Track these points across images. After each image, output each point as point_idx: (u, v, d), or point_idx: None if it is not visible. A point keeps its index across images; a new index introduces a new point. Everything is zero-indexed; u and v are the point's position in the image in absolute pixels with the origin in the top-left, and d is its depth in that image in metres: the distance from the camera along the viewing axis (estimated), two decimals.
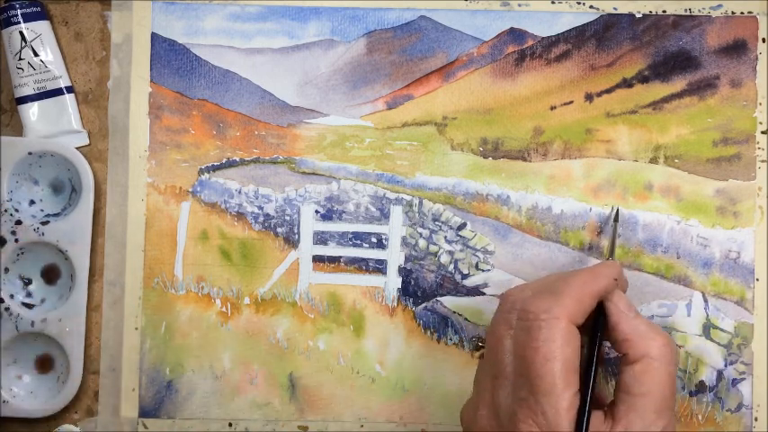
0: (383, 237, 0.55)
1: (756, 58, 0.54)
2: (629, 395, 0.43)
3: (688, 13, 0.54)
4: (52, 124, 0.55)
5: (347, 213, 0.55)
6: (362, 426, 0.54)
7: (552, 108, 0.54)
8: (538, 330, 0.42)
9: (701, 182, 0.54)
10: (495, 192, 0.54)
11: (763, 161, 0.53)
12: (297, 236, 0.55)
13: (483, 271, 0.54)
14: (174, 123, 0.55)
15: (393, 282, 0.55)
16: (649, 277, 0.54)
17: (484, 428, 0.43)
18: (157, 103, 0.55)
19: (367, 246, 0.55)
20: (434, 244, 0.55)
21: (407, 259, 0.55)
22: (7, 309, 0.54)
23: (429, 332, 0.54)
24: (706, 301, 0.53)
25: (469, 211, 0.55)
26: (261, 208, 0.55)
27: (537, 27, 0.54)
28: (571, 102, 0.54)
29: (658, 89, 0.54)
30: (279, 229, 0.55)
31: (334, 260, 0.55)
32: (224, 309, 0.55)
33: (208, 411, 0.55)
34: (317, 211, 0.55)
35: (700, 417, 0.53)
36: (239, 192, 0.55)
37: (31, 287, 0.55)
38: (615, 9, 0.54)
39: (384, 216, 0.55)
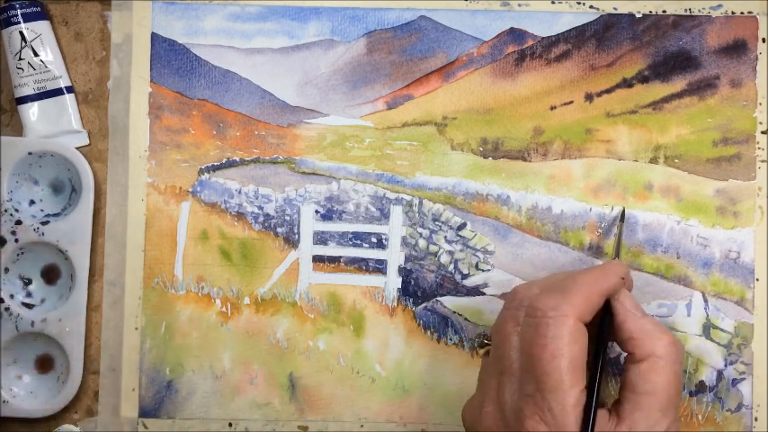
0: (383, 237, 0.55)
1: (756, 58, 0.54)
2: (635, 393, 0.43)
3: (688, 13, 0.54)
4: (52, 124, 0.55)
5: (347, 213, 0.55)
6: (362, 426, 0.54)
7: (552, 108, 0.54)
8: (546, 327, 0.42)
9: (700, 182, 0.54)
10: (495, 192, 0.54)
11: (763, 161, 0.53)
12: (297, 236, 0.55)
13: (483, 271, 0.54)
14: (174, 123, 0.55)
15: (393, 282, 0.55)
16: (649, 277, 0.54)
17: (489, 425, 0.43)
18: (157, 103, 0.55)
19: (367, 246, 0.55)
20: (434, 244, 0.55)
21: (407, 259, 0.55)
22: (7, 309, 0.54)
23: (429, 332, 0.54)
24: (706, 301, 0.53)
25: (469, 211, 0.55)
26: (261, 208, 0.55)
27: (537, 27, 0.54)
28: (571, 102, 0.54)
29: (658, 89, 0.54)
30: (279, 229, 0.55)
31: (334, 260, 0.55)
32: (224, 309, 0.55)
33: (208, 411, 0.55)
34: (316, 211, 0.55)
35: (700, 417, 0.53)
36: (239, 192, 0.55)
37: (31, 287, 0.55)
38: (615, 9, 0.54)
39: (384, 216, 0.55)
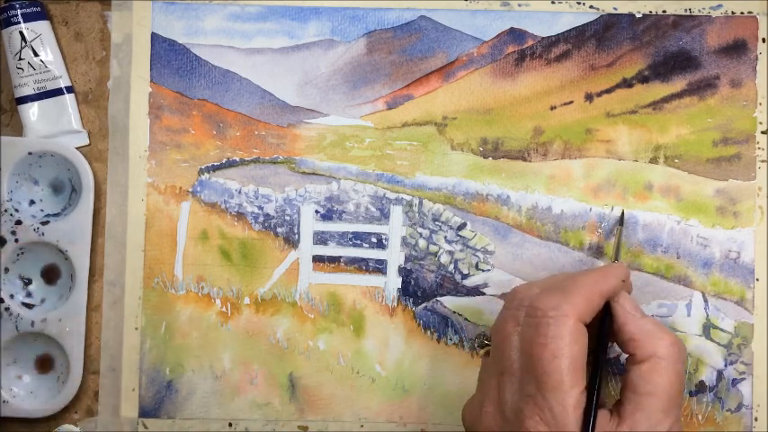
0: (383, 237, 0.55)
1: (756, 58, 0.54)
2: (636, 394, 0.43)
3: (688, 13, 0.54)
4: (52, 124, 0.55)
5: (347, 213, 0.55)
6: (362, 426, 0.54)
7: (552, 108, 0.54)
8: (546, 327, 0.42)
9: (701, 182, 0.54)
10: (495, 192, 0.54)
11: (763, 161, 0.53)
12: (297, 236, 0.55)
13: (483, 271, 0.54)
14: (174, 123, 0.55)
15: (393, 282, 0.55)
16: (649, 277, 0.54)
17: (489, 425, 0.43)
18: (157, 103, 0.55)
19: (367, 246, 0.55)
20: (434, 244, 0.55)
21: (407, 259, 0.55)
22: (7, 309, 0.54)
23: (429, 332, 0.54)
24: (706, 301, 0.53)
25: (469, 211, 0.55)
26: (261, 208, 0.55)
27: (537, 27, 0.54)
28: (571, 102, 0.54)
29: (658, 89, 0.54)
30: (279, 229, 0.55)
31: (334, 260, 0.55)
32: (224, 309, 0.55)
33: (208, 411, 0.55)
34: (317, 211, 0.55)
35: (700, 417, 0.53)
36: (239, 192, 0.55)
37: (31, 287, 0.55)
38: (615, 9, 0.54)
39: (384, 216, 0.55)
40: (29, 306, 0.55)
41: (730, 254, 0.53)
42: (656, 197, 0.54)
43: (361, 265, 0.55)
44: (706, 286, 0.53)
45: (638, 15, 0.54)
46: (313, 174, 0.55)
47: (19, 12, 0.54)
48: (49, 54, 0.55)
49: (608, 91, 0.54)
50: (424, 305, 0.54)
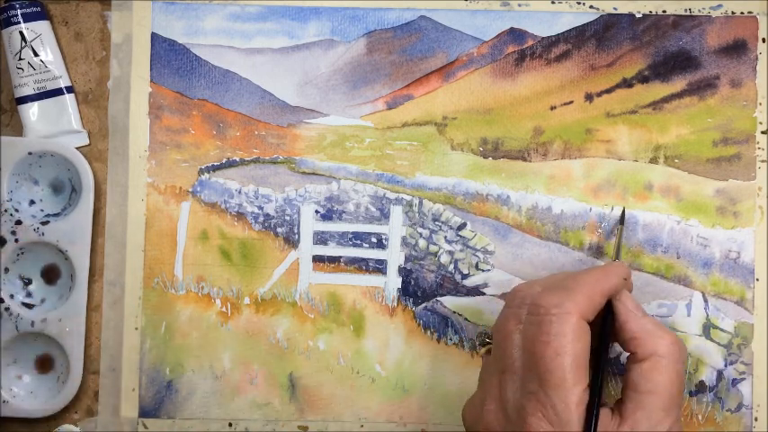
0: (383, 237, 0.55)
1: (756, 58, 0.54)
2: (637, 393, 0.43)
3: (688, 13, 0.54)
4: (52, 124, 0.55)
5: (347, 213, 0.55)
6: (362, 426, 0.54)
7: (552, 108, 0.54)
8: (549, 325, 0.42)
9: (701, 182, 0.54)
10: (495, 192, 0.54)
11: (763, 161, 0.53)
12: (297, 236, 0.55)
13: (483, 271, 0.54)
14: (174, 123, 0.55)
15: (393, 282, 0.55)
16: (649, 277, 0.54)
17: (491, 423, 0.43)
18: (157, 103, 0.55)
19: (367, 246, 0.55)
20: (434, 244, 0.55)
21: (407, 259, 0.55)
22: (7, 309, 0.54)
23: (429, 332, 0.54)
24: (706, 301, 0.53)
25: (469, 211, 0.55)
26: (261, 208, 0.55)
27: (537, 27, 0.54)
28: (571, 102, 0.54)
29: (658, 89, 0.54)
30: (279, 229, 0.55)
31: (334, 260, 0.55)
32: (224, 309, 0.55)
33: (208, 411, 0.55)
34: (317, 211, 0.55)
35: (700, 417, 0.53)
36: (239, 192, 0.55)
37: (31, 287, 0.55)
38: (615, 9, 0.54)
39: (384, 216, 0.55)
40: (29, 306, 0.55)
41: (730, 254, 0.53)
42: (656, 197, 0.54)
43: (361, 265, 0.55)
44: (706, 286, 0.53)
45: (638, 15, 0.54)
46: (313, 174, 0.55)
47: (19, 12, 0.54)
48: (49, 54, 0.55)
49: (608, 91, 0.54)
50: (424, 305, 0.54)
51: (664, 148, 0.54)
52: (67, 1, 0.56)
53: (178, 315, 0.55)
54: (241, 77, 0.55)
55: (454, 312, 0.54)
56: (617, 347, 0.47)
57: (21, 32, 0.54)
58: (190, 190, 0.55)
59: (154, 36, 0.55)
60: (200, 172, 0.55)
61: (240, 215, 0.55)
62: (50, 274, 0.55)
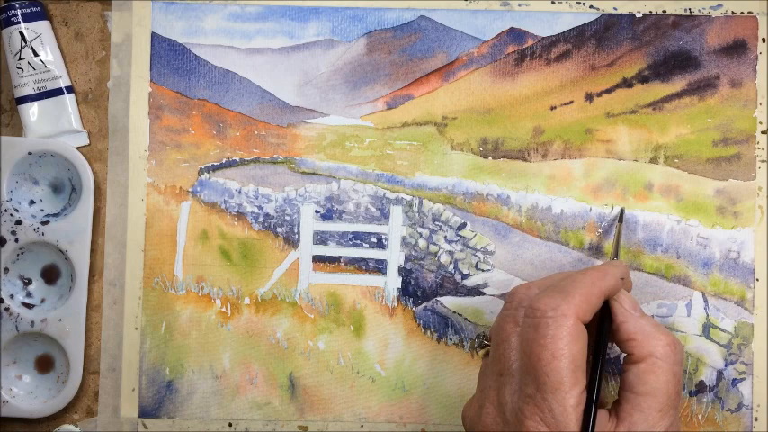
0: (383, 237, 0.55)
1: (756, 58, 0.54)
2: (634, 394, 0.43)
3: (688, 13, 0.54)
4: (52, 124, 0.55)
5: (347, 213, 0.55)
6: (362, 426, 0.54)
7: (552, 108, 0.54)
8: (545, 327, 0.42)
9: (701, 182, 0.54)
10: (495, 192, 0.54)
11: (763, 161, 0.53)
12: (297, 236, 0.55)
13: (483, 271, 0.54)
14: (174, 123, 0.55)
15: (393, 282, 0.55)
16: (649, 277, 0.54)
17: (489, 426, 0.43)
18: (157, 103, 0.55)
19: (367, 246, 0.55)
20: (434, 244, 0.55)
21: (407, 259, 0.55)
22: (7, 309, 0.54)
23: (429, 332, 0.54)
24: (706, 301, 0.53)
25: (469, 211, 0.55)
26: (261, 208, 0.55)
27: (537, 27, 0.54)
28: (571, 102, 0.54)
29: (658, 89, 0.54)
30: (279, 229, 0.55)
31: (334, 260, 0.55)
32: (224, 309, 0.55)
33: (208, 411, 0.55)
34: (316, 211, 0.55)
35: (700, 417, 0.53)
36: (239, 192, 0.55)
37: (31, 287, 0.55)
38: (615, 9, 0.54)
39: (384, 216, 0.55)
40: (29, 306, 0.55)
41: (730, 254, 0.53)
42: (656, 197, 0.54)
43: (361, 265, 0.55)
44: (706, 286, 0.53)
45: (638, 15, 0.54)
46: (313, 174, 0.55)
47: (19, 12, 0.54)
48: (49, 54, 0.55)
49: (608, 91, 0.54)
50: (424, 305, 0.54)
51: (664, 148, 0.54)
52: (67, 1, 0.56)
53: (178, 315, 0.55)
54: (241, 77, 0.55)
55: (454, 312, 0.54)
56: (617, 347, 0.47)
57: (21, 32, 0.54)
58: (190, 190, 0.55)
59: (154, 36, 0.55)
60: (200, 172, 0.55)
61: (240, 215, 0.55)
62: (50, 274, 0.55)
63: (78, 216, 0.54)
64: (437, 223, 0.55)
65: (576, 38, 0.54)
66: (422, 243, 0.55)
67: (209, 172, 0.55)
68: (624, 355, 0.45)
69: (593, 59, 0.54)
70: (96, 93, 0.56)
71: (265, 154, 0.55)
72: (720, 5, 0.54)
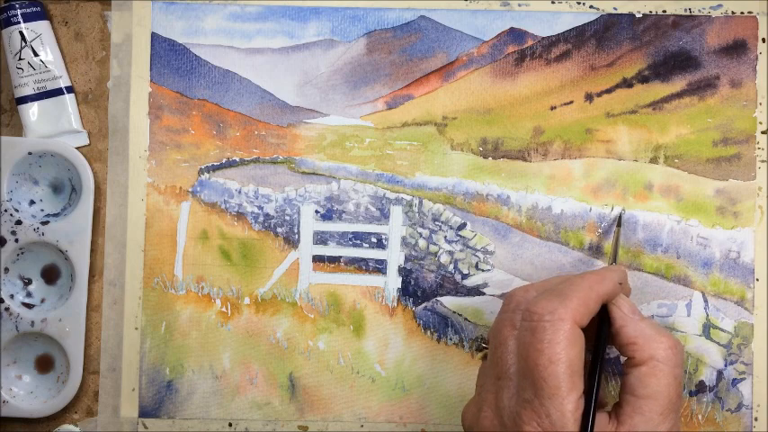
0: (383, 237, 0.55)
1: (756, 58, 0.54)
2: (635, 397, 0.42)
3: (688, 13, 0.54)
4: (52, 124, 0.55)
5: (347, 213, 0.55)
6: (362, 426, 0.54)
7: (552, 108, 0.54)
8: (542, 331, 0.42)
9: (701, 182, 0.54)
10: (495, 192, 0.54)
11: (763, 161, 0.53)
12: (297, 236, 0.55)
13: (483, 271, 0.54)
14: (174, 123, 0.55)
15: (393, 282, 0.55)
16: (649, 277, 0.54)
17: (487, 429, 0.43)
18: (157, 103, 0.55)
19: (367, 246, 0.55)
20: (434, 244, 0.55)
21: (407, 259, 0.55)
22: (7, 309, 0.54)
23: (429, 332, 0.54)
24: (706, 301, 0.53)
25: (469, 211, 0.55)
26: (261, 208, 0.55)
27: (537, 27, 0.54)
28: (571, 102, 0.54)
29: (658, 89, 0.54)
30: (279, 229, 0.55)
31: (334, 260, 0.55)
32: (224, 309, 0.55)
33: (208, 411, 0.55)
34: (316, 211, 0.55)
35: (700, 417, 0.53)
36: (239, 192, 0.55)
37: (31, 287, 0.55)
38: (615, 9, 0.54)
39: (384, 216, 0.55)
40: (29, 306, 0.55)
41: (730, 254, 0.53)
42: (656, 197, 0.54)
43: (361, 265, 0.55)
44: (706, 286, 0.53)
45: (638, 15, 0.54)
46: (313, 174, 0.55)
47: (19, 12, 0.54)
48: (48, 54, 0.55)
49: (608, 91, 0.54)
50: (424, 305, 0.54)
51: (664, 148, 0.54)
52: (67, 1, 0.56)
53: (178, 315, 0.55)
54: (241, 77, 0.55)
55: (454, 312, 0.54)
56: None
57: (21, 32, 0.54)
58: (190, 190, 0.55)
59: (154, 36, 0.55)
60: (200, 172, 0.55)
61: (240, 215, 0.55)
62: (50, 274, 0.55)
63: (78, 216, 0.54)
64: (437, 223, 0.55)
65: (576, 38, 0.54)
66: (422, 243, 0.55)
67: (209, 172, 0.55)
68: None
69: (593, 59, 0.54)
70: (96, 93, 0.56)
71: (265, 154, 0.55)
72: (720, 5, 0.54)
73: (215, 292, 0.55)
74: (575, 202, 0.54)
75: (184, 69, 0.55)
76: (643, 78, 0.54)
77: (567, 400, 0.41)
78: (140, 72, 0.55)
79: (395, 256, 0.55)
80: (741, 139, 0.53)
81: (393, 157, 0.55)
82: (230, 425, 0.55)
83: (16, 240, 0.54)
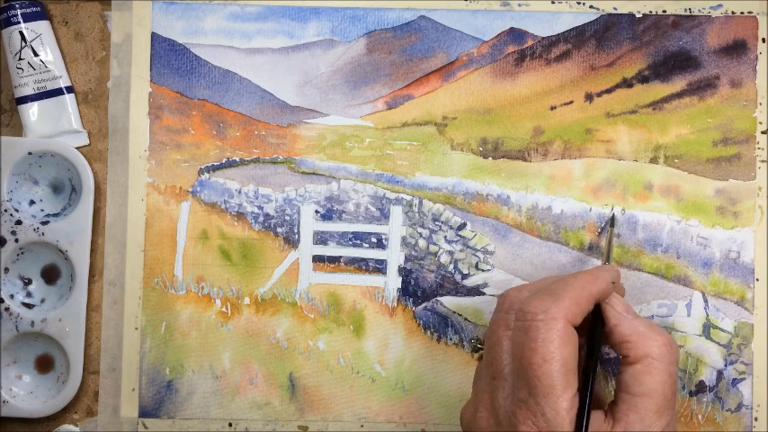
0: (383, 237, 0.55)
1: (756, 58, 0.54)
2: (630, 395, 0.43)
3: (688, 13, 0.54)
4: (52, 124, 0.55)
5: (347, 213, 0.55)
6: (362, 426, 0.54)
7: (552, 108, 0.54)
8: (536, 331, 0.42)
9: (701, 182, 0.54)
10: (495, 192, 0.54)
11: (763, 161, 0.53)
12: (297, 236, 0.55)
13: (483, 271, 0.54)
14: (174, 123, 0.55)
15: (393, 282, 0.55)
16: (649, 277, 0.54)
17: (483, 429, 0.43)
18: (157, 103, 0.55)
19: (367, 246, 0.55)
20: (434, 244, 0.55)
21: (407, 259, 0.55)
22: (7, 309, 0.54)
23: (429, 332, 0.54)
24: (706, 301, 0.53)
25: (469, 211, 0.55)
26: (261, 208, 0.55)
27: (537, 27, 0.54)
28: (571, 102, 0.54)
29: (658, 89, 0.54)
30: (279, 229, 0.55)
31: (334, 260, 0.55)
32: (224, 309, 0.55)
33: (208, 411, 0.55)
34: (316, 211, 0.55)
35: (700, 417, 0.53)
36: (239, 192, 0.55)
37: (31, 287, 0.55)
38: (615, 9, 0.54)
39: (384, 216, 0.55)
40: (29, 306, 0.55)
41: (730, 254, 0.53)
42: (656, 197, 0.54)
43: (361, 265, 0.55)
44: (706, 286, 0.53)
45: (638, 15, 0.54)
46: (313, 174, 0.55)
47: (19, 12, 0.54)
48: (49, 54, 0.55)
49: (608, 91, 0.54)
50: (423, 305, 0.54)
51: (664, 148, 0.54)
52: (67, 1, 0.56)
53: (178, 315, 0.55)
54: (241, 77, 0.55)
55: (454, 312, 0.54)
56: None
57: (21, 32, 0.54)
58: (190, 190, 0.55)
59: (154, 36, 0.55)
60: (200, 172, 0.55)
61: (240, 215, 0.55)
62: (50, 274, 0.55)
63: (78, 216, 0.54)
64: (437, 223, 0.55)
65: (576, 38, 0.54)
66: (422, 243, 0.55)
67: (209, 172, 0.55)
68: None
69: (593, 59, 0.54)
70: (96, 93, 0.56)
71: (265, 154, 0.55)
72: (720, 5, 0.54)
73: (215, 292, 0.55)
74: (575, 202, 0.54)
75: (184, 69, 0.55)
76: (643, 78, 0.54)
77: (562, 399, 0.41)
78: (140, 72, 0.55)
79: (395, 256, 0.55)
80: (741, 139, 0.53)
81: (393, 157, 0.55)
82: (230, 425, 0.55)
83: (16, 240, 0.54)
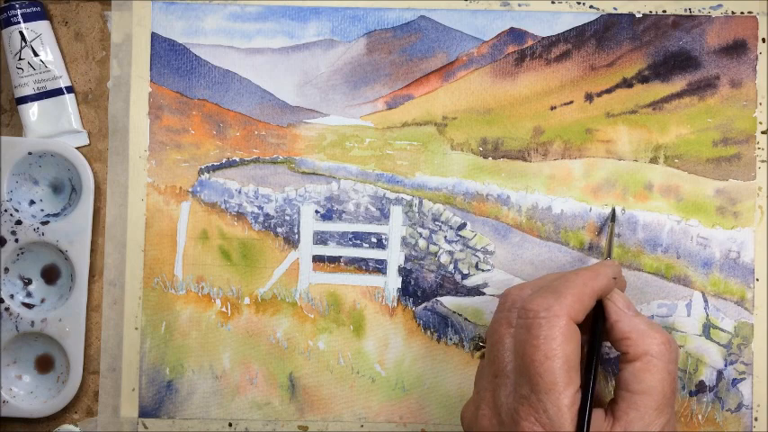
0: (383, 237, 0.55)
1: (756, 58, 0.54)
2: (630, 393, 0.43)
3: (688, 13, 0.54)
4: (52, 124, 0.55)
5: (347, 213, 0.55)
6: (362, 426, 0.54)
7: (552, 108, 0.54)
8: (538, 328, 0.42)
9: (701, 182, 0.54)
10: (495, 192, 0.54)
11: (763, 161, 0.53)
12: (297, 236, 0.55)
13: (483, 271, 0.54)
14: (174, 123, 0.55)
15: (393, 282, 0.55)
16: (649, 277, 0.54)
17: (485, 428, 0.43)
18: (157, 103, 0.55)
19: (367, 246, 0.55)
20: (434, 244, 0.55)
21: (407, 259, 0.55)
22: (7, 309, 0.54)
23: (429, 332, 0.54)
24: (706, 301, 0.53)
25: (469, 211, 0.55)
26: (261, 208, 0.55)
27: (537, 27, 0.54)
28: (571, 102, 0.54)
29: (658, 89, 0.54)
30: (279, 229, 0.55)
31: (334, 260, 0.55)
32: (224, 309, 0.55)
33: (208, 411, 0.55)
34: (316, 211, 0.55)
35: (700, 417, 0.53)
36: (239, 192, 0.55)
37: (31, 287, 0.55)
38: (615, 9, 0.54)
39: (384, 216, 0.55)
40: (29, 306, 0.55)
41: (730, 254, 0.53)
42: (656, 197, 0.54)
43: (361, 265, 0.55)
44: (706, 286, 0.53)
45: (638, 15, 0.54)
46: (313, 174, 0.55)
47: (19, 12, 0.54)
48: (48, 54, 0.55)
49: (608, 91, 0.54)
50: (423, 305, 0.54)
51: (664, 148, 0.54)
52: (67, 1, 0.56)
53: (178, 315, 0.55)
54: (241, 77, 0.55)
55: (454, 312, 0.54)
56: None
57: (21, 32, 0.54)
58: (190, 190, 0.55)
59: (154, 36, 0.55)
60: (200, 172, 0.55)
61: (240, 215, 0.55)
62: (50, 274, 0.55)
63: (78, 216, 0.54)
64: (437, 223, 0.55)
65: (576, 38, 0.54)
66: (422, 243, 0.55)
67: (209, 172, 0.55)
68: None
69: (593, 59, 0.54)
70: (96, 93, 0.56)
71: (265, 154, 0.55)
72: (720, 5, 0.54)
73: (215, 292, 0.55)
74: (575, 202, 0.54)
75: (184, 69, 0.55)
76: (643, 78, 0.54)
77: (564, 395, 0.41)
78: (140, 72, 0.55)
79: (395, 256, 0.55)
80: (741, 139, 0.53)
81: (393, 157, 0.55)
82: (230, 425, 0.55)
83: (16, 240, 0.54)
